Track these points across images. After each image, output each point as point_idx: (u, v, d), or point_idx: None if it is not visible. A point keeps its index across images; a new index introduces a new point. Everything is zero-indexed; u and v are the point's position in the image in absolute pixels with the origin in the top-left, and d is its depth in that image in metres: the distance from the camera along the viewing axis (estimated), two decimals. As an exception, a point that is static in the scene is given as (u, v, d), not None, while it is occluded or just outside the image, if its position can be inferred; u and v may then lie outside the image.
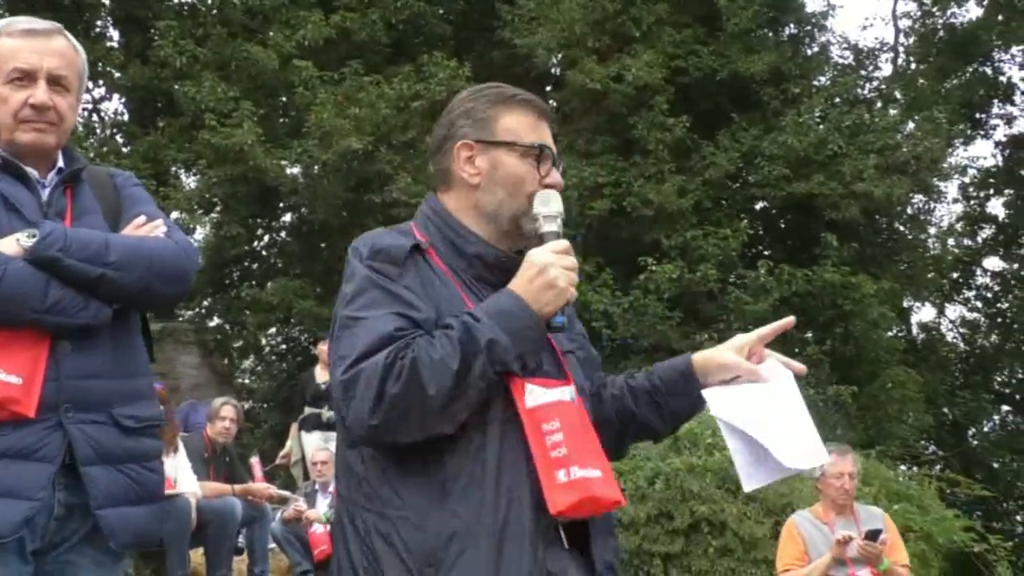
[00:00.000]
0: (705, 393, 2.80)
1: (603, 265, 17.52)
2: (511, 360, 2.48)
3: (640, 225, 18.33)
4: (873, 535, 7.11)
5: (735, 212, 20.16)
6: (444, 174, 2.76)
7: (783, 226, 21.62)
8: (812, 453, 2.70)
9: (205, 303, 21.47)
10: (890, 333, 21.43)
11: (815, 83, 21.71)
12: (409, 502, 2.47)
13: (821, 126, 19.37)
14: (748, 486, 2.75)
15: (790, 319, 2.96)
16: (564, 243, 2.60)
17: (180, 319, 20.31)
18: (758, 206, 21.09)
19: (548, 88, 21.30)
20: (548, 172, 2.73)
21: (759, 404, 2.74)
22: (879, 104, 22.78)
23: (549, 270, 2.52)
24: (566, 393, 2.60)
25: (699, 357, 2.88)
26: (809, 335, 18.83)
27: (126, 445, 3.11)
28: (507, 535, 2.44)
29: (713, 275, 17.48)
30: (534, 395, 2.55)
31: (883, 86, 24.48)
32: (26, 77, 3.08)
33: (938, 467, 21.52)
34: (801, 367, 2.86)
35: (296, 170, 18.84)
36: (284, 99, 19.78)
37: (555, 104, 20.62)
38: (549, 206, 2.66)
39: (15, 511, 2.90)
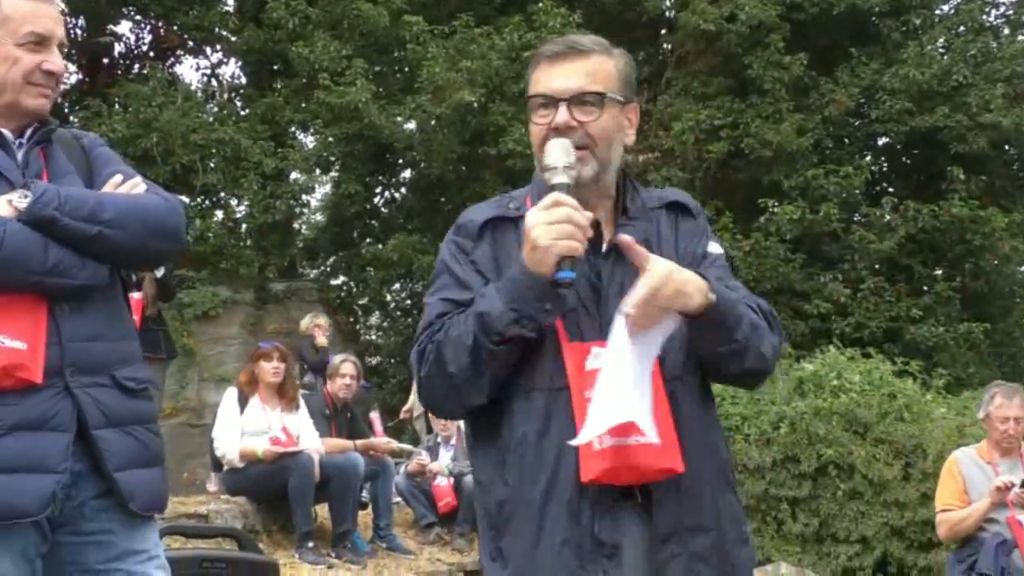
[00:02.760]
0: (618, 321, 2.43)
1: (722, 208, 17.27)
2: (504, 328, 2.40)
3: (759, 166, 18.03)
4: None
5: (857, 149, 19.70)
6: None
7: (907, 161, 21.03)
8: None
9: (329, 261, 21.75)
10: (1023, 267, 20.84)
11: (937, 12, 21.04)
12: (479, 467, 2.62)
13: (945, 56, 18.76)
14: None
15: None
16: (551, 197, 2.43)
17: (304, 278, 20.63)
18: (881, 142, 20.55)
19: (662, 31, 21.04)
20: (551, 117, 2.57)
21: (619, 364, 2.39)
22: (1006, 31, 21.98)
23: (531, 232, 2.38)
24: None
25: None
26: (938, 272, 18.40)
27: (131, 407, 3.06)
28: (549, 503, 2.44)
29: (836, 215, 17.14)
30: (598, 358, 2.44)
31: (1010, 12, 23.57)
32: (42, 42, 3.03)
33: (1078, 404, 20.89)
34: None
35: (411, 125, 18.90)
36: (396, 55, 19.82)
37: (669, 47, 20.36)
38: (548, 157, 2.51)
39: (42, 486, 2.85)
